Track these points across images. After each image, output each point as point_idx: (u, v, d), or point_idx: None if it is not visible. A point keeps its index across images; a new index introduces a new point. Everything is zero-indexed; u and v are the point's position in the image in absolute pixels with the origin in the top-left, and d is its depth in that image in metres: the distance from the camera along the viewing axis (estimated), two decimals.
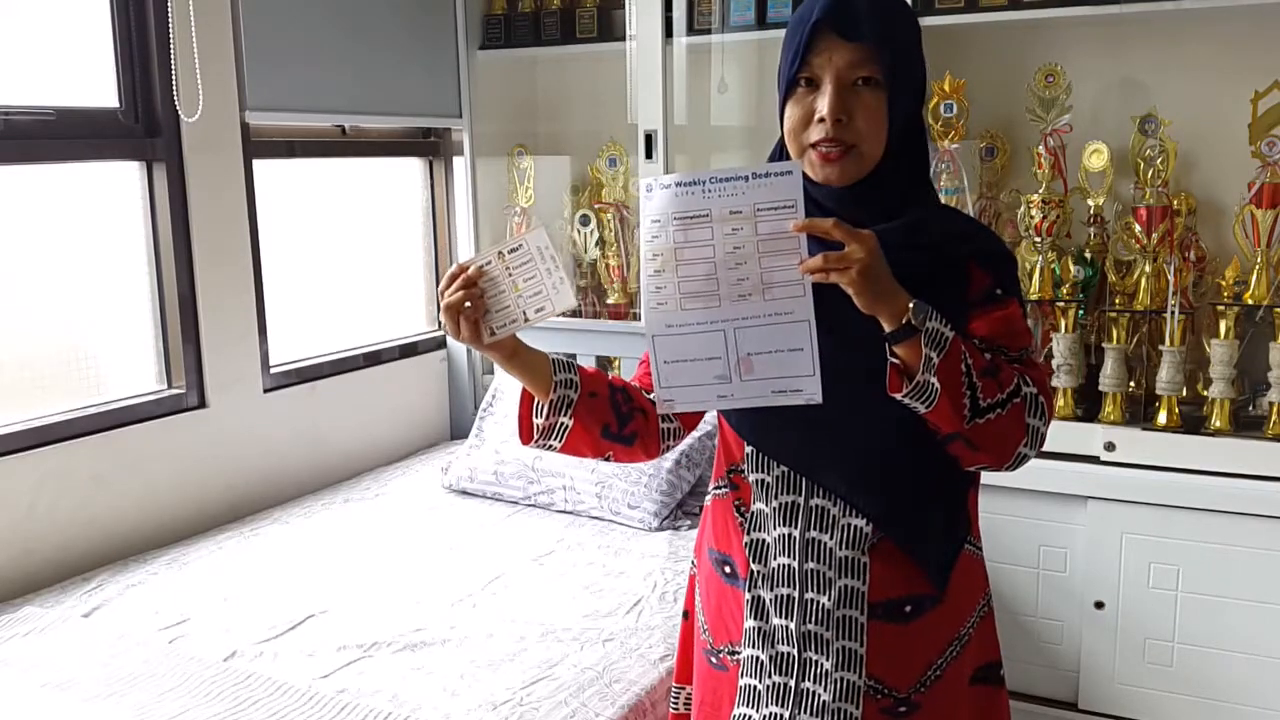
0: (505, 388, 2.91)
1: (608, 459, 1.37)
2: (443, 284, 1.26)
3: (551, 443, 1.33)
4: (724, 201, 1.17)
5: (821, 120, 1.21)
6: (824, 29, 1.20)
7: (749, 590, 1.30)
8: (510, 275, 1.25)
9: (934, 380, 1.14)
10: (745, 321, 1.19)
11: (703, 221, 1.18)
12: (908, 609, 1.27)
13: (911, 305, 1.14)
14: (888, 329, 1.15)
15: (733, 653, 1.35)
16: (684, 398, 1.24)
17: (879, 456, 1.23)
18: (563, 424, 1.31)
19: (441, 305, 1.26)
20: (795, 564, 1.27)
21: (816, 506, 1.27)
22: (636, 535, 2.48)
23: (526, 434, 1.35)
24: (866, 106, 1.21)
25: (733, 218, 1.18)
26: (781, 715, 1.27)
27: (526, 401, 1.34)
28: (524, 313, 1.26)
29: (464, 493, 2.77)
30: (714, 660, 1.39)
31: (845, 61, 1.20)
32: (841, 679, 1.25)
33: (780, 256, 1.17)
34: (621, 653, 1.89)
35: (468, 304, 1.25)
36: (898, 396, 1.16)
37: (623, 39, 2.96)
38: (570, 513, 2.62)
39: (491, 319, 1.27)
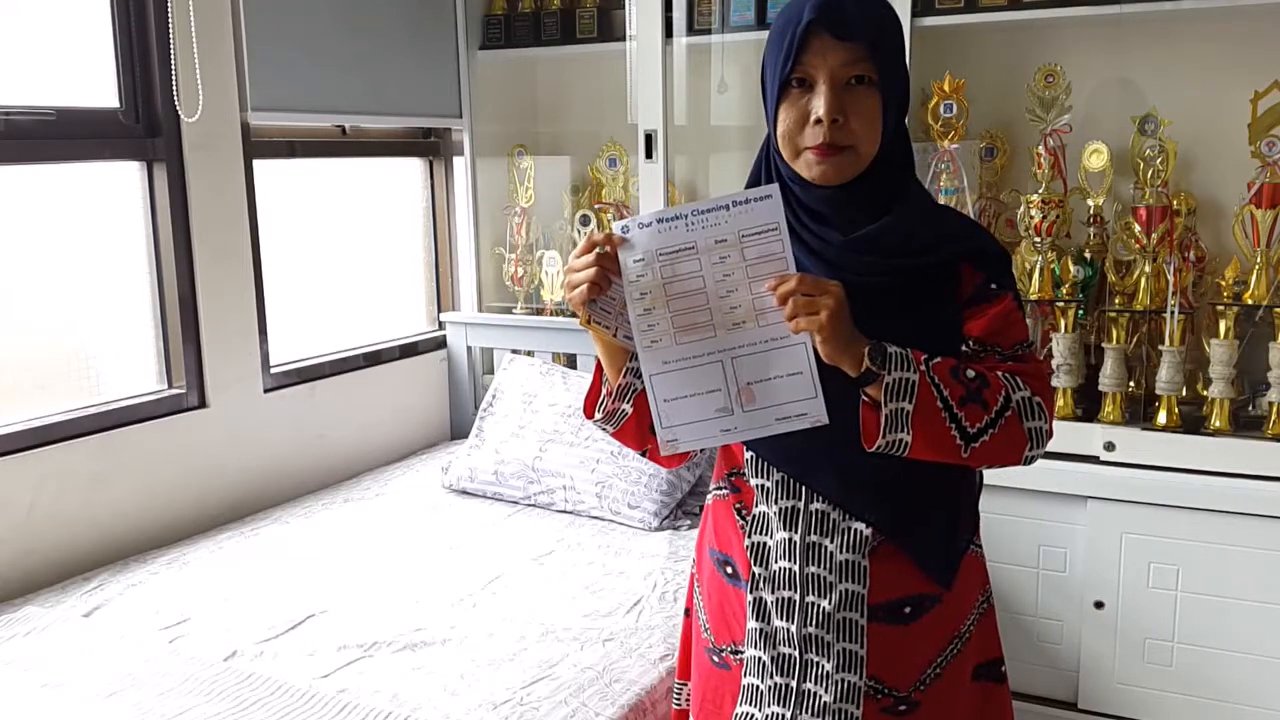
0: (505, 388, 2.91)
1: (644, 453, 1.36)
2: (580, 248, 1.24)
3: (608, 426, 1.33)
4: (708, 232, 1.17)
5: (818, 122, 1.21)
6: (817, 29, 1.20)
7: (751, 592, 1.31)
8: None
9: (905, 437, 1.17)
10: (742, 350, 1.19)
11: (689, 254, 1.18)
12: (907, 610, 1.27)
13: (867, 350, 1.16)
14: (852, 375, 1.17)
15: (735, 652, 1.36)
16: (687, 435, 1.22)
17: (876, 463, 1.23)
18: (623, 410, 1.31)
19: (571, 267, 1.24)
20: (796, 568, 1.28)
21: (817, 511, 1.27)
22: (636, 535, 2.48)
23: (590, 409, 1.35)
24: (861, 106, 1.22)
25: (719, 246, 1.17)
26: (783, 715, 1.28)
27: (598, 377, 1.35)
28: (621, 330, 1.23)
29: (464, 493, 2.77)
30: (716, 659, 1.40)
31: (839, 61, 1.20)
32: (842, 680, 1.26)
33: (769, 280, 1.17)
34: (622, 652, 1.89)
35: (589, 283, 1.21)
36: (871, 450, 1.18)
37: (623, 39, 2.96)
38: (570, 513, 2.62)
39: (596, 308, 1.22)
